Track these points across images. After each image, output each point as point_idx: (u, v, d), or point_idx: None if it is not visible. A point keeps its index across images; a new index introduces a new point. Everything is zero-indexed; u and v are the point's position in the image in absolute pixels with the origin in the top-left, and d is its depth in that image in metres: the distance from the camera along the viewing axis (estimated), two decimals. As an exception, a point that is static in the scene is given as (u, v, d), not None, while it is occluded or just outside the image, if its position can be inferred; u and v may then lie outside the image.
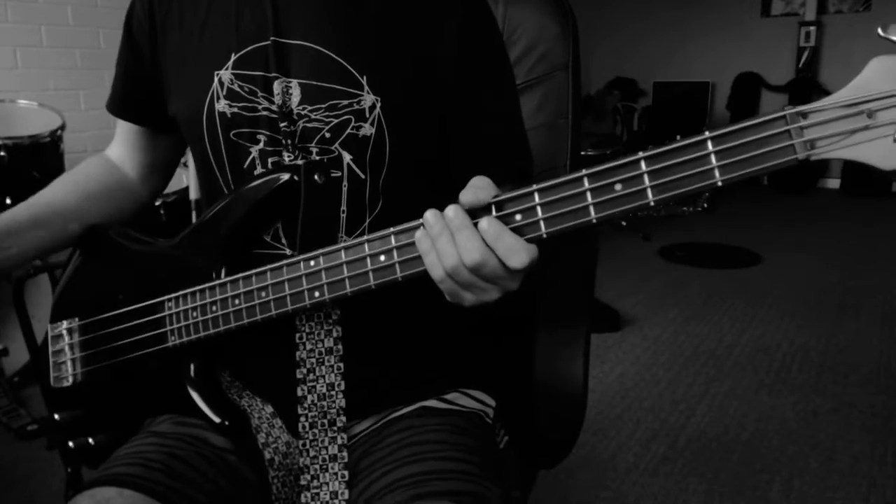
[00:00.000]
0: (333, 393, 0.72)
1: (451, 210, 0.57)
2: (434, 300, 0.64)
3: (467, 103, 0.74)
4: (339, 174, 0.72)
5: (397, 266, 0.61)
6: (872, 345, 2.69)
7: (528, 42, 0.96)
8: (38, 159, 2.25)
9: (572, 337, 0.93)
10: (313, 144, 0.72)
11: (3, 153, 2.14)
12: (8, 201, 2.21)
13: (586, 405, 0.93)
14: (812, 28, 6.28)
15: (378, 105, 0.71)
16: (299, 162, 0.72)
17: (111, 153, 0.94)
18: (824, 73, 6.38)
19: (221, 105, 0.74)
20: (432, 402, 0.79)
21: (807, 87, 6.33)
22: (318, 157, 0.72)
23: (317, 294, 0.66)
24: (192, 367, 0.77)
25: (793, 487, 1.77)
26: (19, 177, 2.21)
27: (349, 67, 0.71)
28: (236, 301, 0.70)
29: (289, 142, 0.72)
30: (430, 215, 0.58)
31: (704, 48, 6.85)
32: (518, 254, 0.55)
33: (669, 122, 6.43)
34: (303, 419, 0.73)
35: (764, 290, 3.37)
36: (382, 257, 0.62)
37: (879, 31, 0.48)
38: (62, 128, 2.33)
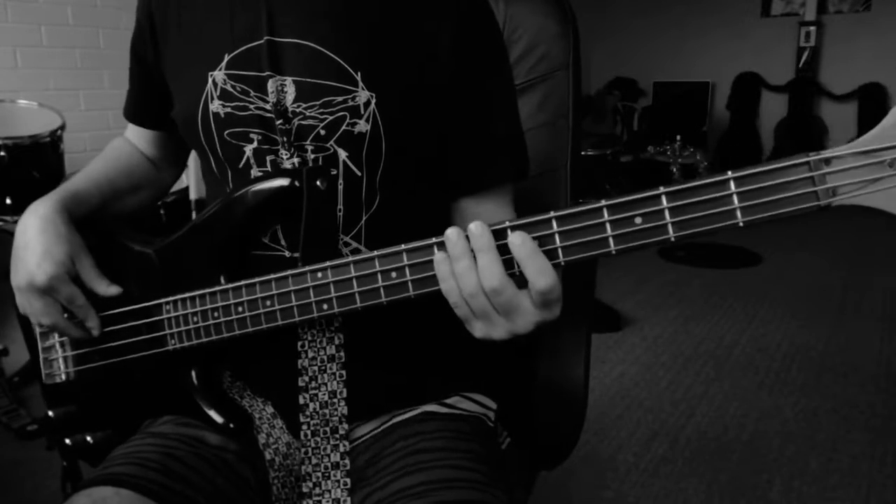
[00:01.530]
0: (336, 401, 0.72)
1: (476, 227, 0.57)
2: (435, 305, 0.63)
3: (464, 101, 0.74)
4: (335, 172, 0.72)
5: (410, 284, 0.61)
6: (872, 345, 2.69)
7: (528, 42, 0.96)
8: (38, 159, 2.25)
9: (573, 337, 0.93)
10: (308, 142, 0.72)
11: (3, 153, 2.14)
12: (8, 201, 2.21)
13: (587, 406, 0.93)
14: (812, 28, 6.28)
15: (373, 101, 0.70)
16: (295, 160, 0.72)
17: (135, 141, 0.95)
18: (824, 73, 6.38)
19: (215, 106, 0.74)
20: (434, 407, 0.79)
21: (807, 87, 6.34)
22: (314, 157, 0.72)
23: (325, 307, 0.65)
24: (193, 369, 0.76)
25: (793, 487, 1.77)
26: (19, 177, 2.21)
27: (343, 63, 0.70)
28: (240, 309, 0.70)
29: (285, 139, 0.72)
30: (452, 233, 0.57)
31: (704, 48, 6.85)
32: (545, 275, 0.55)
33: (669, 122, 6.42)
34: (305, 427, 0.72)
35: (764, 290, 3.37)
36: (394, 274, 0.61)
37: None
38: (62, 128, 2.33)
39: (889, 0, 5.98)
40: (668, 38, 6.98)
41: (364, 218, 0.74)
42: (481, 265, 0.56)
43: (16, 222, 2.31)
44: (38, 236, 0.75)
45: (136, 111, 0.91)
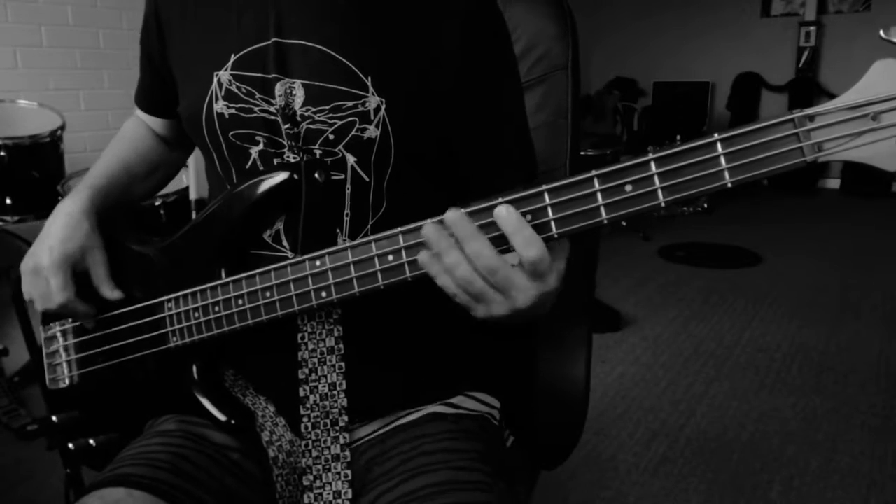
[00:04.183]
0: (335, 393, 0.72)
1: (451, 216, 0.56)
2: (436, 301, 0.63)
3: (473, 103, 0.74)
4: (343, 176, 0.72)
5: (406, 266, 0.61)
6: (872, 345, 2.69)
7: (527, 42, 0.96)
8: (38, 159, 2.25)
9: (574, 338, 0.93)
10: (317, 146, 0.71)
11: (3, 153, 2.14)
12: (8, 201, 2.21)
13: (588, 406, 0.93)
14: (812, 28, 6.28)
15: (383, 107, 0.70)
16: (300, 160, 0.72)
17: (146, 121, 0.95)
18: (824, 73, 6.38)
19: (220, 106, 0.73)
20: (439, 408, 0.79)
21: (807, 87, 6.34)
22: (320, 158, 0.72)
23: (324, 294, 0.65)
24: (194, 366, 0.77)
25: (793, 487, 1.78)
26: (19, 177, 2.21)
27: (353, 68, 0.70)
28: (240, 301, 0.70)
29: (292, 143, 0.71)
30: (430, 231, 0.57)
31: (704, 48, 6.85)
32: (531, 245, 0.55)
33: (669, 122, 6.43)
34: (305, 420, 0.72)
35: (764, 290, 3.37)
36: (391, 257, 0.61)
37: (881, 33, 0.49)
38: (62, 128, 2.33)
39: (889, 0, 5.98)
40: (668, 38, 6.98)
41: (371, 223, 0.73)
42: (471, 252, 0.56)
43: (16, 222, 2.32)
44: (59, 230, 0.79)
45: (146, 100, 0.92)
